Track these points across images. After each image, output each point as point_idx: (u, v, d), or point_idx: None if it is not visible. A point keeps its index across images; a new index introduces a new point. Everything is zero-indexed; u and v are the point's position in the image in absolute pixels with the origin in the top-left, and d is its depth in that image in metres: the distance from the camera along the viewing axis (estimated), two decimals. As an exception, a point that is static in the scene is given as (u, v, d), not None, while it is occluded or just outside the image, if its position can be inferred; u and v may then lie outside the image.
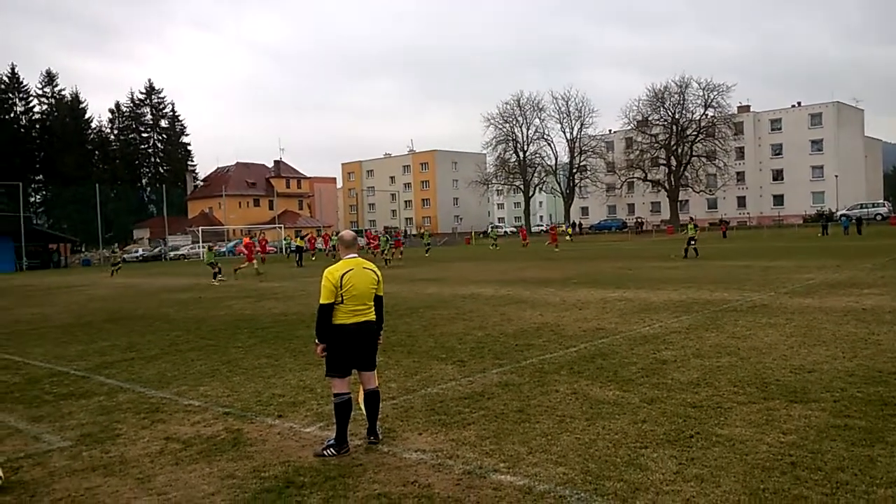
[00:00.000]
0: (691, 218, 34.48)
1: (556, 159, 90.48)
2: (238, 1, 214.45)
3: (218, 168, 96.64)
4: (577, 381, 6.96)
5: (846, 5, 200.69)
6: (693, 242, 27.81)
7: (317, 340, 5.22)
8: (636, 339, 9.20)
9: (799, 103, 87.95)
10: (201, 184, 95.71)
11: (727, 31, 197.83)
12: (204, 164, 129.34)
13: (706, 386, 6.52)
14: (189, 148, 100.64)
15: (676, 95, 78.68)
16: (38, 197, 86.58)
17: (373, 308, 5.29)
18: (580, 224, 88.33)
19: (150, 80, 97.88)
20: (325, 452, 5.02)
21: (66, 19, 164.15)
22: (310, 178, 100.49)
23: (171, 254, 61.89)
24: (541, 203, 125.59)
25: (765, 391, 6.23)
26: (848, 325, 9.68)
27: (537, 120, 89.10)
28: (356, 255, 5.31)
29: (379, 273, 5.39)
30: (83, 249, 67.28)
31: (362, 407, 5.33)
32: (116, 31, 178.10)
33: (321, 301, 5.09)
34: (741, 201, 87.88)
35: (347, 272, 5.12)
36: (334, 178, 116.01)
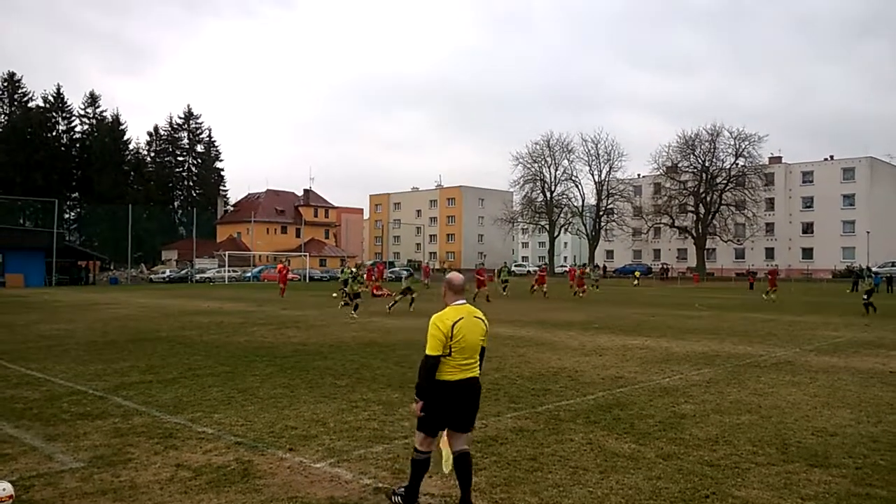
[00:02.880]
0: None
1: (583, 201, 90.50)
2: (269, 29, 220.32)
3: (248, 194, 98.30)
4: (592, 430, 6.86)
5: (878, 57, 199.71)
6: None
7: (416, 397, 4.60)
8: (655, 391, 9.06)
9: (832, 157, 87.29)
10: (231, 209, 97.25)
11: (756, 80, 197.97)
12: (235, 189, 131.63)
13: (725, 444, 6.38)
14: (222, 173, 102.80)
15: (707, 143, 78.83)
16: (72, 214, 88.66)
17: (477, 361, 4.71)
18: (605, 267, 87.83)
19: (188, 106, 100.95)
20: (392, 498, 4.73)
21: (106, 43, 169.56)
22: (337, 207, 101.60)
23: (198, 276, 62.61)
24: (566, 244, 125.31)
25: (785, 453, 6.09)
26: (874, 387, 9.44)
27: (566, 161, 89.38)
28: (465, 301, 4.73)
29: (486, 321, 4.78)
30: (112, 267, 68.38)
31: (443, 467, 4.74)
32: (154, 56, 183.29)
33: (427, 352, 4.50)
34: (769, 252, 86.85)
35: (459, 321, 4.53)
36: (361, 209, 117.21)
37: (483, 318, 4.74)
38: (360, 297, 23.20)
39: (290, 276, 40.59)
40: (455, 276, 4.78)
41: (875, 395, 8.91)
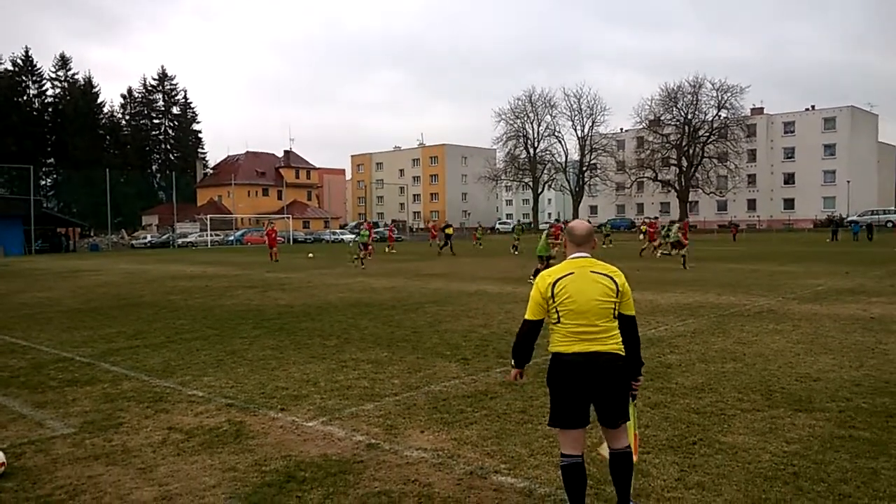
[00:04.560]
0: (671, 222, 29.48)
1: (567, 157, 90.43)
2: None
3: (228, 156, 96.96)
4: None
5: (853, 12, 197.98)
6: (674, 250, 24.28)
7: (512, 363, 4.00)
8: (642, 342, 9.16)
9: (813, 107, 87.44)
10: (211, 172, 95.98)
11: (735, 33, 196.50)
12: (214, 152, 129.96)
13: (710, 392, 6.49)
14: (200, 135, 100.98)
15: (690, 96, 78.61)
16: (48, 180, 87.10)
17: (612, 333, 3.66)
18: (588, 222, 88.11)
19: (162, 67, 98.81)
20: None
21: (75, 8, 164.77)
22: (319, 168, 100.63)
23: (180, 241, 62.12)
24: (549, 200, 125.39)
25: (769, 399, 6.20)
26: (855, 333, 9.62)
27: (548, 117, 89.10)
28: (588, 254, 3.80)
29: (620, 280, 3.72)
30: (92, 234, 67.60)
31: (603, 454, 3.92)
32: (123, 22, 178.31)
33: (525, 316, 3.83)
34: (751, 204, 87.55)
35: (564, 277, 3.67)
36: (343, 170, 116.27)
37: (611, 273, 3.71)
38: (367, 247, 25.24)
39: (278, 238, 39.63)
40: (577, 225, 3.92)
41: (856, 340, 9.08)
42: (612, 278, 3.68)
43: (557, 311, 3.65)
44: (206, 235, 63.81)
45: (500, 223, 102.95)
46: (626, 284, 3.74)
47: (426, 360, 8.20)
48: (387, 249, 38.59)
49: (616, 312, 3.67)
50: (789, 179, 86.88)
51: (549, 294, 3.66)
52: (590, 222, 4.38)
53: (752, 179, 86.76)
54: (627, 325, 3.73)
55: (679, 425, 5.46)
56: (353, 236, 28.54)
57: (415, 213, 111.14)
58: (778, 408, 5.93)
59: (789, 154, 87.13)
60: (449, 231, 36.89)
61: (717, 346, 8.83)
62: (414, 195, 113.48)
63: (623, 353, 3.67)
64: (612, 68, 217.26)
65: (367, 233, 28.13)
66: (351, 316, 12.23)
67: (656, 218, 40.50)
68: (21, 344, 10.00)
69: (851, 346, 8.71)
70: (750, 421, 5.56)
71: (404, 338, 9.79)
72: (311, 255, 37.34)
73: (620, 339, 3.68)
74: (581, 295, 3.62)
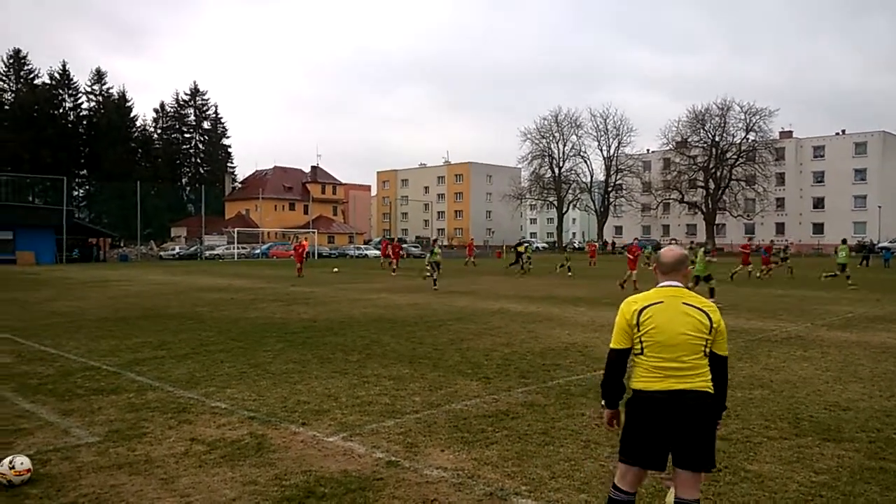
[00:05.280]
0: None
1: (592, 177, 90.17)
2: (274, 10, 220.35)
3: (256, 171, 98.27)
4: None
5: (878, 32, 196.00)
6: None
7: (602, 402, 3.66)
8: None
9: (843, 131, 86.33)
10: (239, 185, 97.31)
11: (760, 56, 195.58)
12: (243, 166, 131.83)
13: (736, 418, 6.38)
14: (229, 150, 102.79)
15: (717, 118, 77.95)
16: (80, 191, 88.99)
17: (701, 370, 3.36)
18: (613, 243, 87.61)
19: (195, 82, 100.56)
20: None
21: (111, 24, 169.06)
22: (345, 184, 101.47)
23: (207, 253, 62.86)
24: (574, 220, 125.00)
25: (797, 427, 6.08)
26: (886, 362, 9.41)
27: (574, 136, 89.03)
28: (679, 283, 3.51)
29: (715, 316, 3.41)
30: (122, 245, 68.74)
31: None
32: (157, 38, 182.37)
33: (610, 345, 3.55)
34: (779, 227, 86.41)
35: (651, 305, 3.41)
36: (369, 186, 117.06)
37: (706, 308, 3.41)
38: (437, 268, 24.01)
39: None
40: (666, 252, 3.61)
41: (887, 369, 8.87)
42: (706, 313, 3.39)
43: (641, 342, 3.39)
44: (233, 248, 64.51)
45: (569, 244, 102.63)
46: (722, 322, 3.44)
47: (447, 378, 8.18)
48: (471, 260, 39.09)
49: (707, 350, 3.38)
50: (819, 203, 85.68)
51: (635, 321, 3.40)
52: (680, 243, 4.13)
53: (780, 203, 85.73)
54: (718, 365, 3.43)
55: (703, 452, 5.36)
56: (428, 253, 27.15)
57: (438, 229, 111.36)
58: (806, 436, 5.80)
59: (819, 178, 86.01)
60: (521, 249, 35.64)
61: (745, 371, 8.68)
62: (438, 212, 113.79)
63: (711, 392, 3.35)
64: (636, 89, 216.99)
65: (439, 251, 25.95)
66: (374, 331, 12.25)
67: (637, 240, 35.76)
68: (50, 352, 10.17)
69: (882, 374, 8.52)
70: (777, 449, 5.45)
71: (426, 355, 9.78)
72: (335, 269, 37.58)
73: (709, 376, 3.38)
74: (669, 327, 3.35)
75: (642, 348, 3.38)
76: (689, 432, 3.29)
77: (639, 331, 3.38)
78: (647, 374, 3.36)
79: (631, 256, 23.70)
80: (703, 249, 19.80)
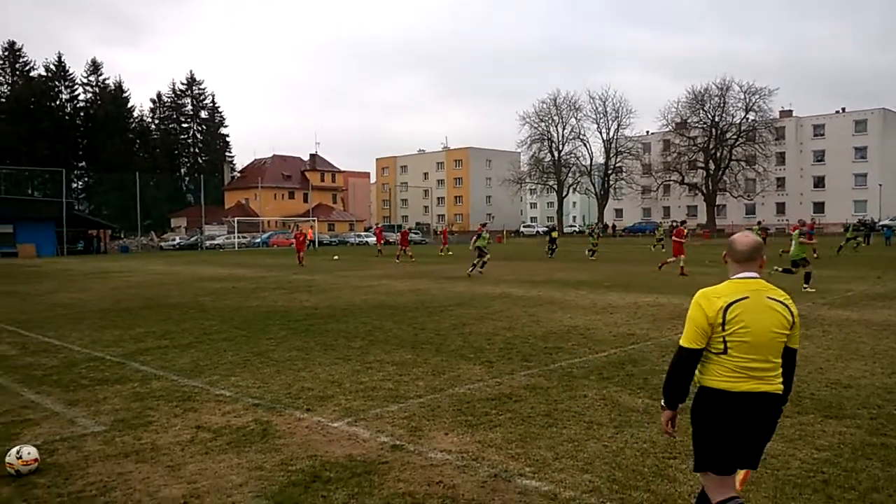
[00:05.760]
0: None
1: (592, 160, 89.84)
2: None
3: (255, 160, 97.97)
4: (606, 387, 6.90)
5: (871, 11, 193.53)
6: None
7: (663, 402, 3.29)
8: (667, 347, 9.09)
9: (843, 109, 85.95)
10: (238, 175, 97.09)
11: (757, 34, 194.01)
12: (241, 155, 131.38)
13: (738, 397, 6.40)
14: (228, 139, 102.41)
15: (717, 98, 77.73)
16: (79, 183, 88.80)
17: (779, 370, 3.15)
18: (613, 226, 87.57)
19: (191, 72, 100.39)
20: None
21: (106, 15, 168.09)
22: (344, 171, 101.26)
23: (207, 243, 62.88)
24: (574, 203, 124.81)
25: (799, 405, 6.11)
26: (887, 339, 9.43)
27: (573, 119, 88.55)
28: (757, 274, 3.24)
29: (795, 310, 3.20)
30: (122, 236, 68.74)
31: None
32: (152, 28, 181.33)
33: (682, 342, 3.18)
34: (780, 207, 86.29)
35: (738, 301, 3.09)
36: (368, 173, 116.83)
37: (786, 301, 3.17)
38: (485, 254, 22.47)
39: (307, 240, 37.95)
40: (740, 238, 3.31)
41: (888, 346, 8.90)
42: (787, 307, 3.15)
43: (726, 342, 3.07)
44: (234, 238, 64.51)
45: (524, 226, 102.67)
46: (796, 312, 3.21)
47: (450, 363, 8.21)
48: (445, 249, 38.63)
49: (784, 346, 3.16)
50: (819, 183, 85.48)
51: (720, 320, 3.05)
52: (757, 231, 3.71)
53: (780, 183, 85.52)
54: (790, 359, 3.20)
55: (706, 430, 5.40)
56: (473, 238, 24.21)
57: (438, 215, 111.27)
58: (808, 414, 5.84)
59: (819, 157, 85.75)
60: (555, 235, 35.04)
61: (745, 351, 8.70)
62: (438, 198, 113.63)
63: (781, 394, 3.15)
64: (633, 69, 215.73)
65: (487, 236, 23.91)
66: (376, 318, 12.29)
67: (675, 223, 35.46)
68: (54, 343, 10.21)
69: (883, 352, 8.55)
70: (779, 427, 5.44)
71: (428, 340, 9.82)
72: (335, 257, 37.63)
73: (782, 375, 3.17)
74: (758, 325, 3.06)
75: (725, 348, 3.07)
76: (762, 435, 3.15)
77: (724, 330, 3.06)
78: (731, 374, 3.06)
79: (679, 240, 22.48)
80: (798, 231, 17.65)
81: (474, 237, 24.01)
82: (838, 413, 5.86)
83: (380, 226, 62.07)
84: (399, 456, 4.96)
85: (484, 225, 24.70)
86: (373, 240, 63.90)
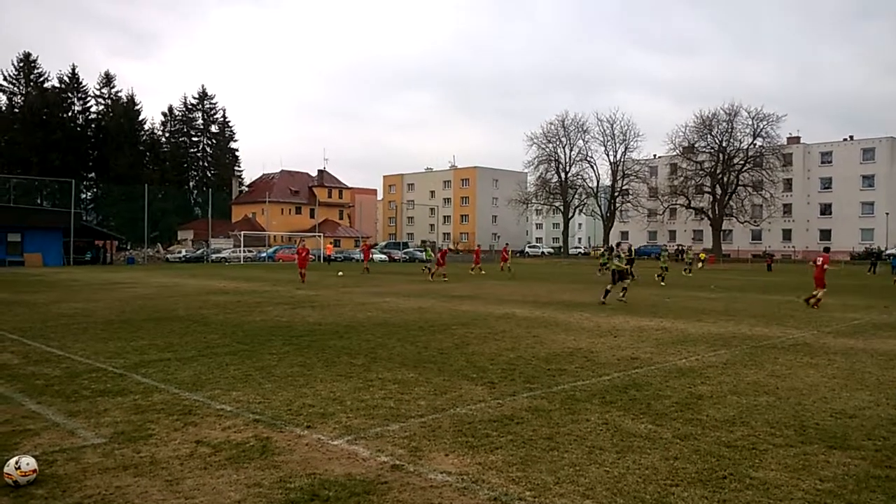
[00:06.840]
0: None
1: (598, 182, 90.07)
2: (282, 15, 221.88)
3: (263, 174, 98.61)
4: (608, 411, 6.86)
5: (880, 39, 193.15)
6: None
7: None
8: (671, 372, 9.04)
9: (851, 137, 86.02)
10: (246, 189, 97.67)
11: (765, 61, 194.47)
12: (250, 170, 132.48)
13: (742, 425, 6.35)
14: (237, 154, 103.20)
15: (725, 123, 77.84)
16: (88, 194, 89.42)
17: None
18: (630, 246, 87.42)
19: (203, 86, 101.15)
20: None
21: (120, 28, 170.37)
22: (351, 188, 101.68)
23: (214, 256, 63.05)
24: (580, 225, 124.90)
25: (803, 434, 6.05)
26: (894, 370, 9.35)
27: (581, 141, 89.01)
28: None
29: None
30: (128, 247, 69.01)
31: None
32: (166, 42, 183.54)
33: None
34: (786, 234, 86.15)
35: None
36: (375, 190, 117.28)
37: None
38: (630, 275, 20.57)
39: (309, 257, 37.59)
40: None
41: (895, 377, 8.82)
42: None
43: None
44: (240, 251, 64.68)
45: (529, 247, 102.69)
46: None
47: (452, 383, 8.17)
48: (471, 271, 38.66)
49: None
50: (826, 210, 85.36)
51: None
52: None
53: (787, 209, 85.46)
54: None
55: (709, 458, 5.35)
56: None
57: (444, 234, 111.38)
58: (812, 444, 5.78)
59: (826, 184, 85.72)
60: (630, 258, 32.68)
61: (750, 378, 8.65)
62: (444, 216, 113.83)
63: None
64: (641, 91, 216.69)
65: (614, 253, 21.59)
66: (379, 335, 12.26)
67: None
68: (57, 353, 10.21)
69: (889, 382, 8.47)
70: (782, 456, 5.43)
71: (431, 359, 9.78)
72: (340, 273, 37.65)
73: None
74: None
75: None
76: None
77: None
78: None
79: (823, 266, 18.74)
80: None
81: (607, 257, 21.69)
82: (843, 444, 5.79)
83: (367, 242, 62.04)
84: (399, 476, 4.92)
85: (619, 244, 23.38)
86: (379, 257, 64.07)
